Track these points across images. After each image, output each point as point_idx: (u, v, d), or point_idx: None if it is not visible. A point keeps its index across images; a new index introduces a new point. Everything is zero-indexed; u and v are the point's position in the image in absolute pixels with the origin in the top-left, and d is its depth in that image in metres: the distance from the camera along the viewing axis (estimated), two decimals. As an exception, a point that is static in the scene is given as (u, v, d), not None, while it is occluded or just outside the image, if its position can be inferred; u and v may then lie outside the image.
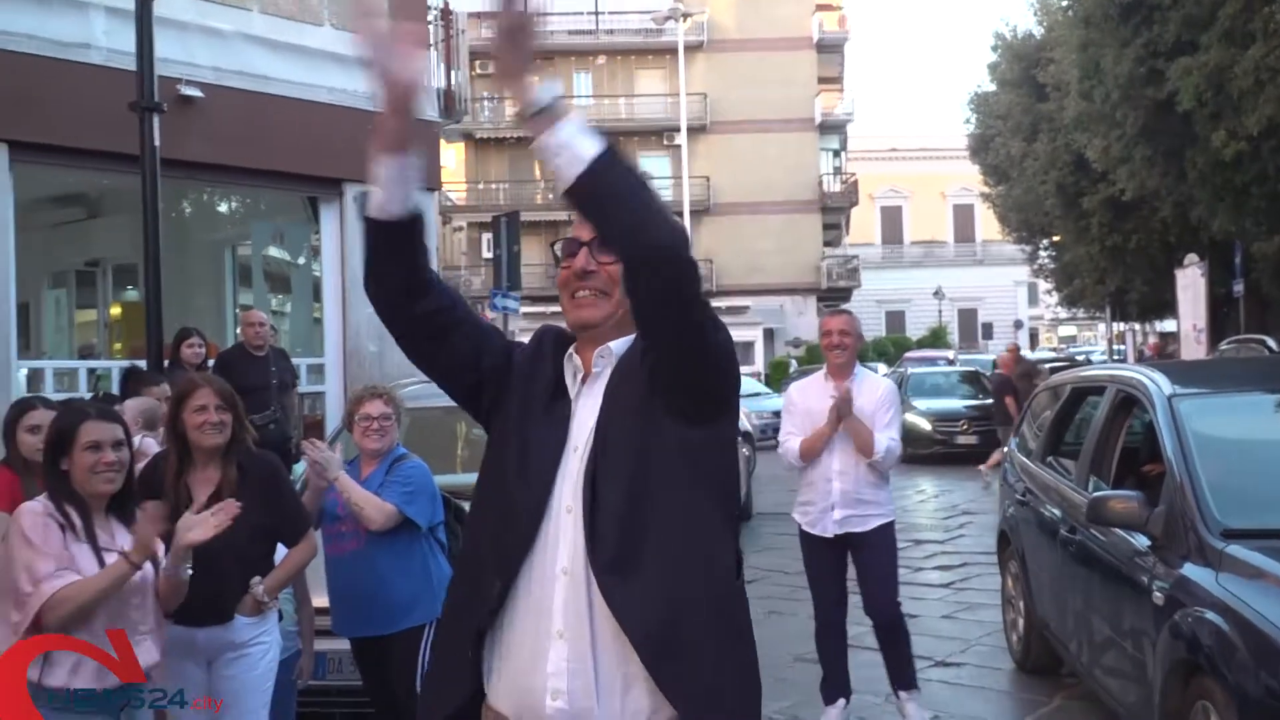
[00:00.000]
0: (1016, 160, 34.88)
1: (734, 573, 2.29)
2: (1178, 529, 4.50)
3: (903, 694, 5.94)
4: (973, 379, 23.13)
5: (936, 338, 49.97)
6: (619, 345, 2.29)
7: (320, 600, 4.93)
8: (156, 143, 8.40)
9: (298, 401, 9.43)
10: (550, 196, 43.68)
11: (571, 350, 2.35)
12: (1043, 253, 40.49)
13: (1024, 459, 7.34)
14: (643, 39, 44.55)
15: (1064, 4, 28.46)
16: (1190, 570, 4.31)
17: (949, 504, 15.04)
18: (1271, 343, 18.37)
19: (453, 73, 15.00)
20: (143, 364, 8.47)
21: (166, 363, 8.51)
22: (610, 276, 2.25)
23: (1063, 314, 53.83)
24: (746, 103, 43.43)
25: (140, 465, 4.13)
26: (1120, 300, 34.56)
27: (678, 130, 36.47)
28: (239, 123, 11.56)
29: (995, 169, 38.73)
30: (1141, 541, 4.76)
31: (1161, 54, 20.35)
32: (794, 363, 38.99)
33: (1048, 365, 24.20)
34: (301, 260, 14.54)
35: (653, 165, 45.18)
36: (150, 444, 5.23)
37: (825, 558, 6.01)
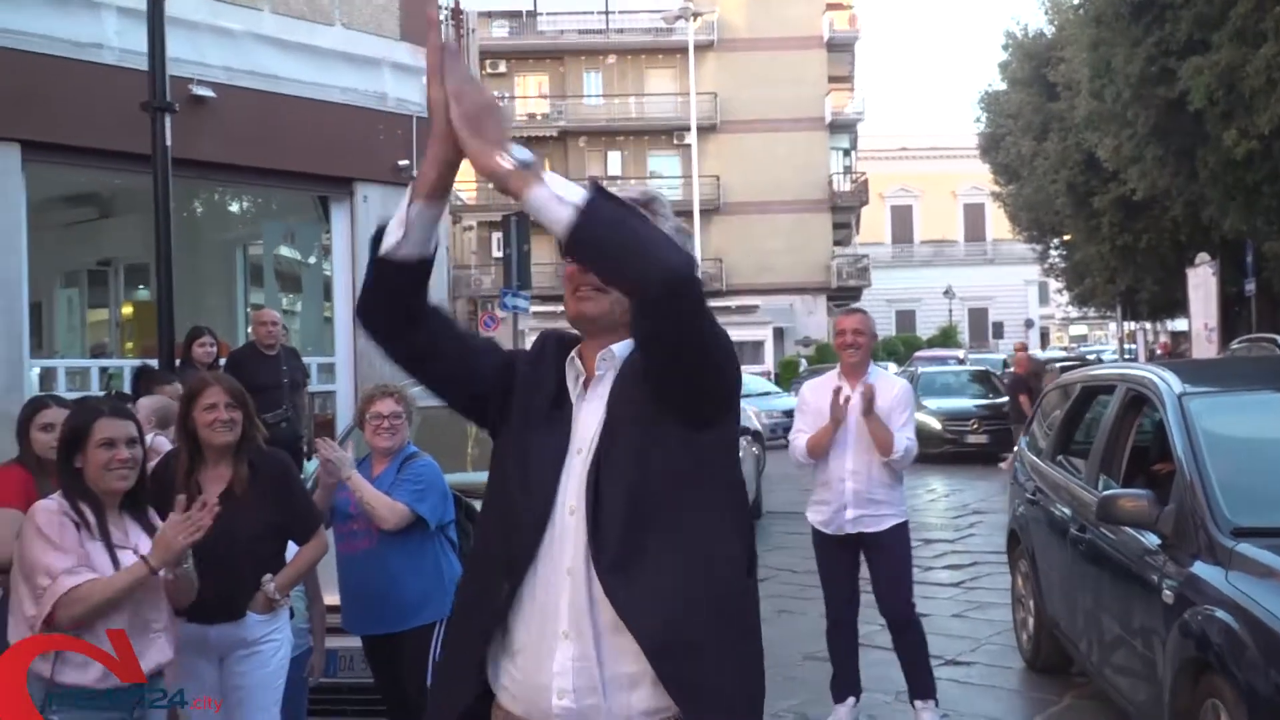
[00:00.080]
0: (1027, 159, 34.83)
1: (742, 571, 2.29)
2: (1188, 527, 4.50)
3: (919, 703, 5.91)
4: (983, 378, 23.11)
5: (947, 337, 49.91)
6: (621, 348, 2.28)
7: (331, 598, 4.94)
8: (168, 142, 8.42)
9: (309, 400, 9.46)
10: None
11: (574, 354, 2.34)
12: (1053, 252, 40.43)
13: (1034, 458, 7.34)
14: (653, 38, 44.56)
15: (1075, 3, 28.40)
16: (1200, 569, 4.31)
17: (959, 503, 15.03)
18: (1283, 342, 18.31)
19: (463, 72, 15.01)
20: (154, 363, 8.50)
21: (178, 362, 8.54)
22: None
23: (1073, 313, 53.78)
24: (757, 102, 43.42)
25: (152, 463, 4.15)
26: (1131, 299, 34.50)
27: (688, 129, 36.47)
28: (250, 122, 11.60)
29: (1006, 168, 38.67)
30: (1151, 540, 4.75)
31: (1173, 53, 20.30)
32: (804, 362, 38.97)
33: (1059, 364, 24.17)
34: (312, 260, 14.59)
35: (662, 164, 45.30)
36: (162, 442, 5.25)
37: (838, 557, 6.00)
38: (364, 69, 12.89)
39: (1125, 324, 41.37)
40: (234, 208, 16.05)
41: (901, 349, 44.53)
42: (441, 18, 14.12)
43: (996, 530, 10.81)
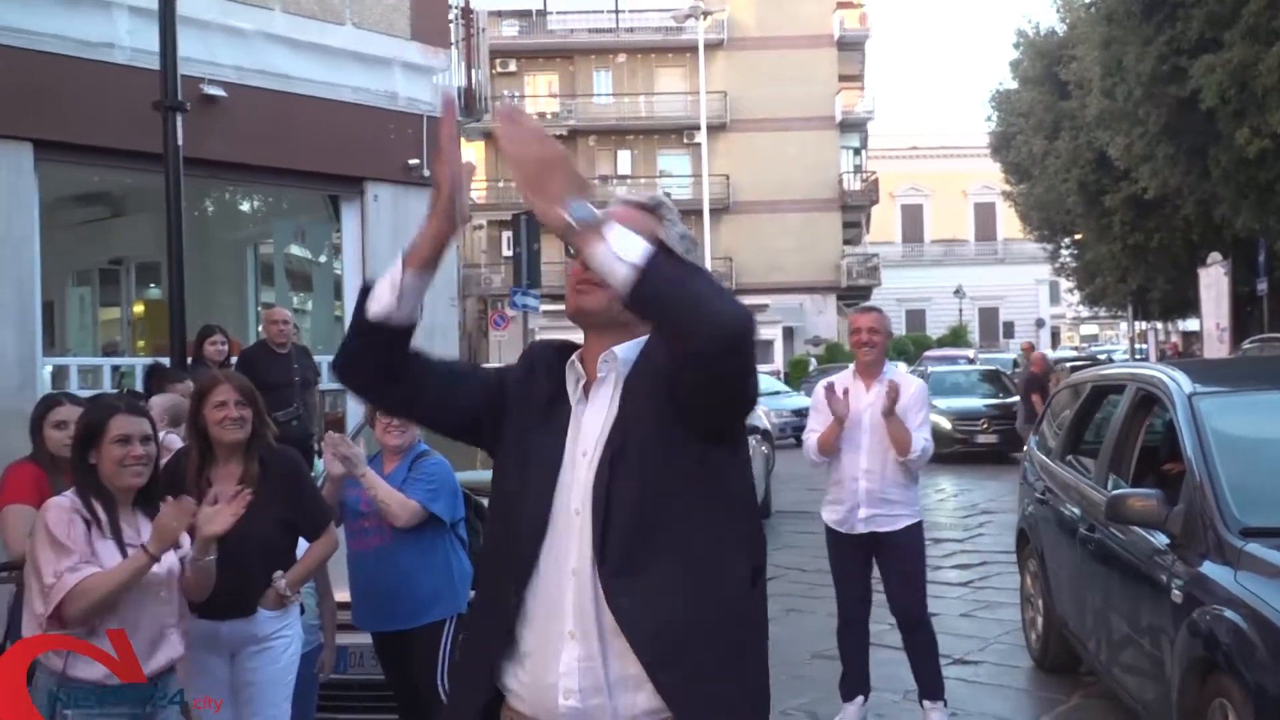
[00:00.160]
0: (1038, 158, 34.75)
1: (747, 584, 2.28)
2: (1197, 527, 4.50)
3: (928, 703, 5.91)
4: (993, 378, 23.07)
5: (957, 337, 49.83)
6: (624, 350, 2.27)
7: (342, 594, 4.96)
8: (179, 142, 8.46)
9: (320, 399, 9.49)
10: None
11: (574, 358, 2.34)
12: (1064, 251, 40.34)
13: (1043, 457, 7.34)
14: (663, 37, 44.55)
15: (1087, 1, 28.34)
16: (1209, 568, 4.31)
17: (968, 503, 15.02)
18: (1295, 341, 18.24)
19: (473, 71, 15.06)
20: (166, 361, 8.54)
21: (190, 360, 8.57)
22: None
23: (1084, 313, 53.71)
24: (767, 101, 43.39)
25: (163, 461, 4.17)
26: (1142, 299, 34.42)
27: (698, 128, 36.45)
28: (261, 122, 11.64)
29: (1017, 167, 38.61)
30: (1160, 540, 4.75)
31: (1184, 51, 20.24)
32: (813, 361, 38.95)
33: (1069, 364, 24.11)
34: (323, 258, 14.63)
35: (672, 163, 45.32)
36: (174, 440, 5.27)
37: (851, 556, 6.00)
38: (375, 68, 12.93)
39: (1136, 324, 41.27)
40: (245, 207, 16.11)
41: (911, 348, 44.45)
42: (451, 17, 14.17)
43: (1006, 530, 10.80)
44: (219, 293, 14.71)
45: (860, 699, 6.03)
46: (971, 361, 32.67)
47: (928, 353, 39.18)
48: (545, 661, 2.20)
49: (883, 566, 6.00)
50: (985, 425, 20.20)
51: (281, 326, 9.30)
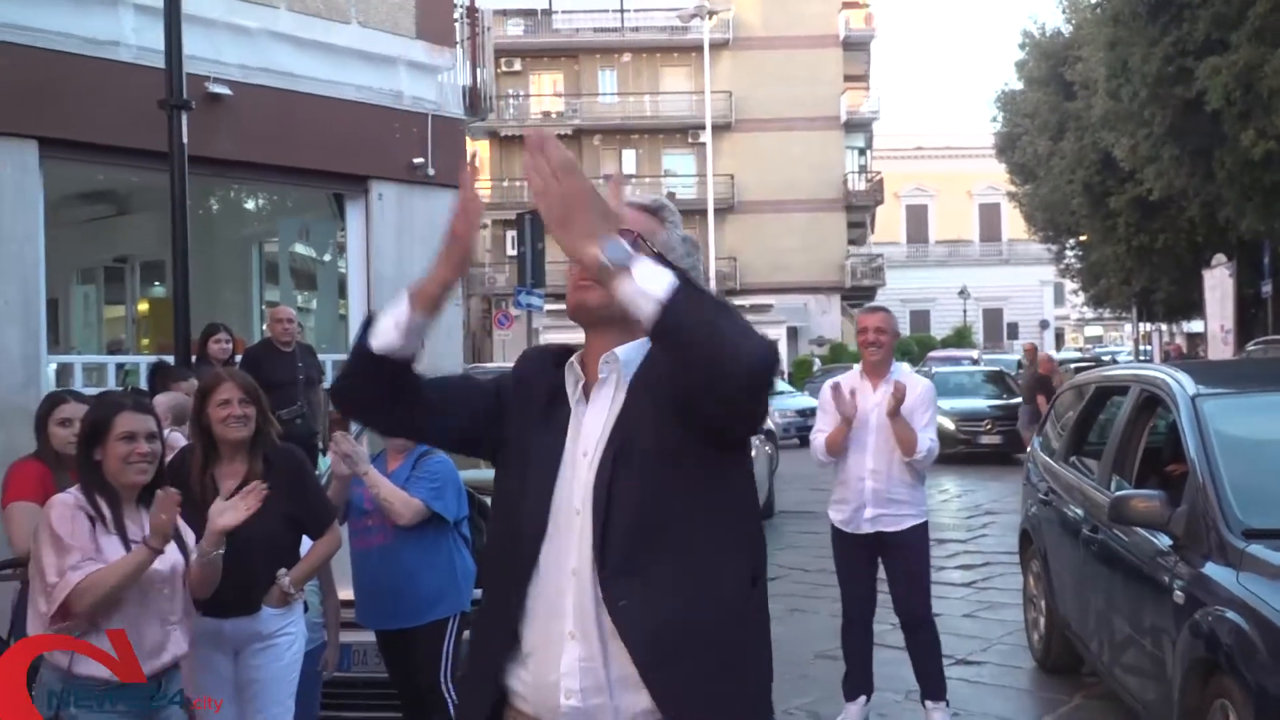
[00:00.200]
0: (1043, 159, 34.71)
1: (745, 592, 2.27)
2: (1199, 528, 4.51)
3: (930, 704, 5.91)
4: (997, 379, 23.05)
5: (961, 337, 49.76)
6: (625, 351, 2.27)
7: (346, 593, 4.98)
8: (185, 140, 8.46)
9: (323, 397, 9.49)
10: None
11: (573, 359, 2.35)
12: (1069, 252, 40.29)
13: (1047, 458, 7.34)
14: (668, 36, 44.55)
15: (1093, 2, 28.29)
16: (1211, 569, 4.32)
17: (972, 504, 15.02)
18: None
19: (478, 70, 15.07)
20: (170, 359, 8.54)
21: (194, 358, 8.58)
22: None
23: (1089, 314, 53.61)
24: (772, 100, 43.38)
25: (167, 459, 4.18)
26: (1147, 300, 34.38)
27: (703, 128, 36.45)
28: (266, 120, 11.65)
29: (1022, 168, 38.55)
30: (1163, 541, 4.76)
31: (1190, 52, 20.22)
32: (817, 361, 38.95)
33: (1073, 365, 24.09)
34: (327, 257, 14.65)
35: (677, 163, 45.32)
36: (177, 438, 5.28)
37: (856, 555, 5.99)
38: (380, 67, 12.93)
39: (1141, 325, 41.23)
40: (249, 205, 16.13)
41: (916, 349, 44.40)
42: (456, 16, 14.17)
43: (1009, 530, 10.80)
44: (223, 291, 14.73)
45: (863, 699, 6.03)
46: (976, 362, 32.66)
47: (932, 353, 39.14)
48: (547, 661, 2.20)
49: (888, 566, 5.99)
50: (989, 426, 20.20)
51: (286, 325, 9.31)
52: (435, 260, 2.24)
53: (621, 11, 46.46)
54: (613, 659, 2.16)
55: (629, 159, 45.63)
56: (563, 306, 2.37)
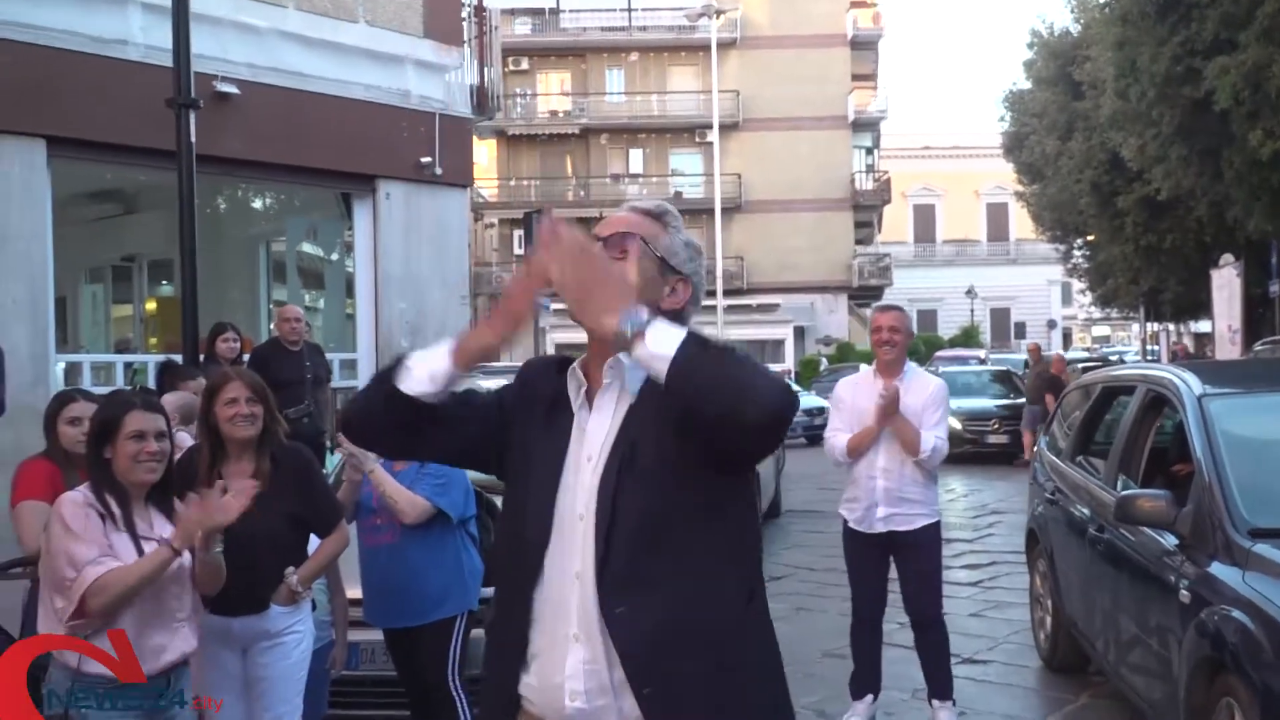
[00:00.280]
0: (1051, 159, 34.62)
1: (744, 597, 2.29)
2: (1205, 528, 4.50)
3: (936, 703, 5.92)
4: (1004, 378, 23.04)
5: (968, 337, 49.76)
6: (630, 359, 2.28)
7: (353, 591, 4.99)
8: (193, 139, 8.48)
9: (331, 396, 9.52)
10: (581, 193, 43.84)
11: (575, 365, 2.37)
12: (1077, 252, 40.18)
13: (1053, 458, 7.34)
14: (676, 36, 44.58)
15: (1101, 1, 28.23)
16: (1217, 569, 4.32)
17: (979, 503, 15.01)
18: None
19: (486, 69, 15.08)
20: (178, 358, 8.57)
21: (202, 357, 8.61)
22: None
23: (1096, 314, 53.45)
24: (779, 100, 43.37)
25: (175, 458, 4.19)
26: (1154, 300, 34.30)
27: (710, 127, 36.41)
28: (274, 119, 11.68)
29: (1029, 167, 38.46)
30: (1169, 540, 4.76)
31: (1199, 52, 20.16)
32: (824, 361, 38.93)
33: (1080, 365, 24.06)
34: (335, 256, 14.67)
35: (684, 162, 45.33)
36: (185, 438, 5.30)
37: (868, 554, 5.99)
38: (387, 66, 12.96)
39: (1148, 325, 41.14)
40: (257, 204, 16.15)
41: (923, 349, 44.36)
42: (464, 15, 14.18)
43: (1015, 530, 10.80)
44: (231, 290, 14.76)
45: (870, 697, 6.04)
46: (983, 362, 32.63)
47: (939, 353, 39.14)
48: (552, 663, 2.23)
49: (900, 566, 5.99)
50: (996, 426, 20.20)
51: (293, 324, 9.33)
52: (483, 320, 2.29)
53: (629, 11, 46.48)
54: (615, 662, 2.18)
55: (636, 158, 45.66)
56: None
